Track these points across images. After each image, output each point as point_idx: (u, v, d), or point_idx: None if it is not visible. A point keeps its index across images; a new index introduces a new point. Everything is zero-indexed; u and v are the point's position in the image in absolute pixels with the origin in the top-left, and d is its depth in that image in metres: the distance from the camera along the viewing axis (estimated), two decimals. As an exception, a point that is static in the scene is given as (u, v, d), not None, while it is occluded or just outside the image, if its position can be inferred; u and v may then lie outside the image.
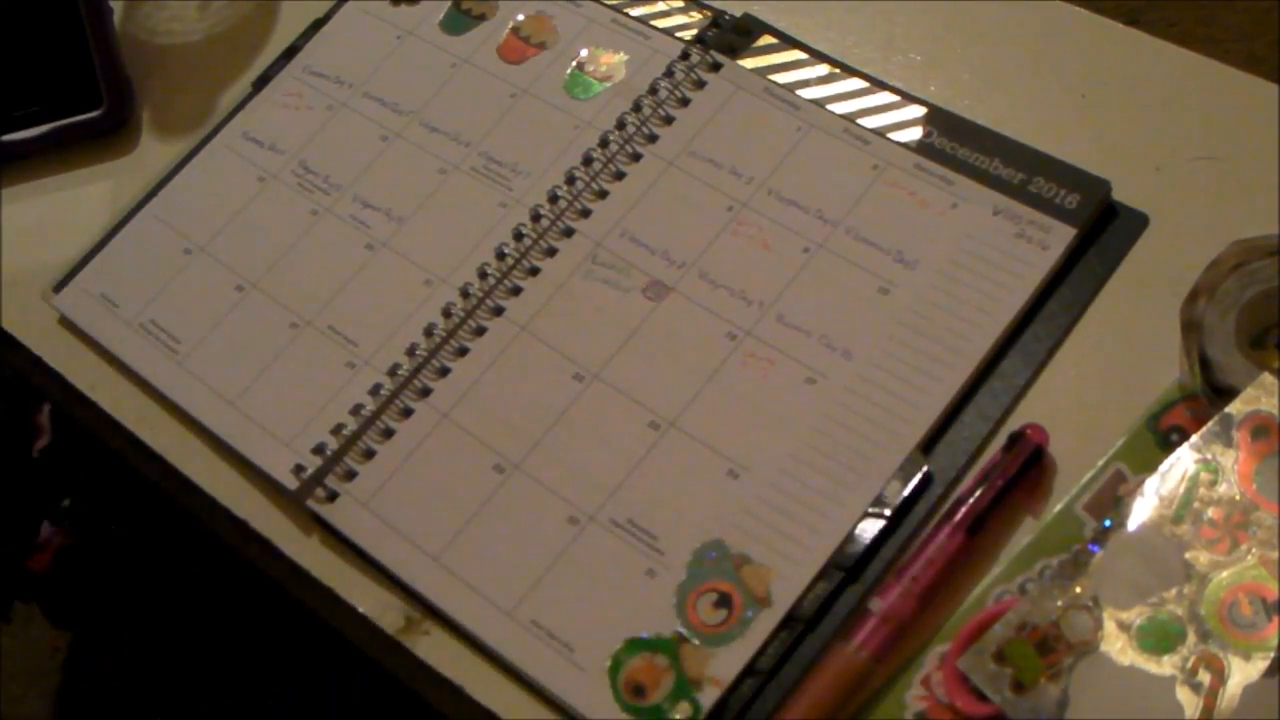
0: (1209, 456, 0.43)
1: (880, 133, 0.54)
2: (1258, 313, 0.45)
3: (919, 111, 0.55)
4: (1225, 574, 0.41)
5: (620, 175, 0.56)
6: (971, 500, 0.45)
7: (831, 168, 0.54)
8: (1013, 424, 0.48)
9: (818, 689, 0.43)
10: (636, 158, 0.56)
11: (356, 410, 0.53)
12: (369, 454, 0.52)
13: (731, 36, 0.58)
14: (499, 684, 0.47)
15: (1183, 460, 0.43)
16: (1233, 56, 0.54)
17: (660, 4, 0.60)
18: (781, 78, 0.57)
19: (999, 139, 0.53)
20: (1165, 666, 0.40)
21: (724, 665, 0.45)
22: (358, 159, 0.60)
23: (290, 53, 0.64)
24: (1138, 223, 0.51)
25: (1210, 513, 0.42)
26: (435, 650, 0.48)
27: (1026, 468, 0.46)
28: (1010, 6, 0.57)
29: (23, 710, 0.76)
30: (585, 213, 0.55)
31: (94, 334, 0.58)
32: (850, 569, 0.46)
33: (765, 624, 0.45)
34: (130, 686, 0.59)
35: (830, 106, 0.55)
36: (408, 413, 0.52)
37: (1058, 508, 0.46)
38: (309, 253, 0.58)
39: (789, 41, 0.58)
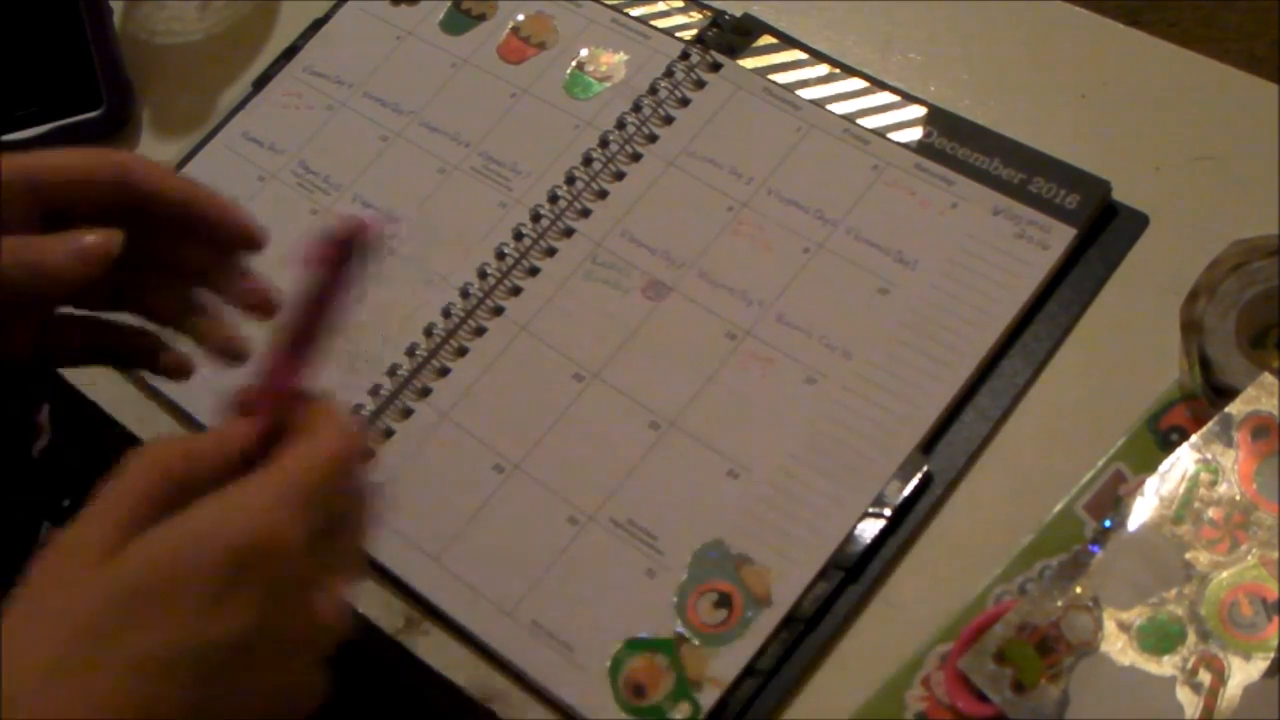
0: (1209, 456, 0.43)
1: (880, 133, 0.54)
2: (1258, 313, 0.45)
3: (919, 111, 0.55)
4: (1225, 574, 0.41)
5: (620, 175, 0.56)
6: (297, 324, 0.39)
7: (831, 168, 0.54)
8: (1013, 424, 0.48)
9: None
10: (636, 158, 0.56)
11: (356, 410, 0.53)
12: (369, 454, 0.52)
13: (731, 36, 0.58)
14: (499, 684, 0.47)
15: (1183, 460, 0.43)
16: (1233, 56, 0.54)
17: (660, 4, 0.60)
18: (781, 78, 0.57)
19: (999, 139, 0.53)
20: (1165, 667, 0.40)
21: (724, 665, 0.45)
22: (357, 159, 0.60)
23: (290, 53, 0.64)
24: (1138, 223, 0.51)
25: (1210, 513, 0.42)
26: (435, 650, 0.48)
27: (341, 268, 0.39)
28: (1010, 6, 0.57)
29: (22, 710, 0.76)
30: (585, 212, 0.55)
31: (94, 334, 0.58)
32: (850, 569, 0.46)
33: (765, 624, 0.45)
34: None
35: (830, 106, 0.55)
36: (407, 413, 0.52)
37: (1057, 508, 0.46)
38: (309, 253, 0.58)
39: (789, 41, 0.58)
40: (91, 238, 0.41)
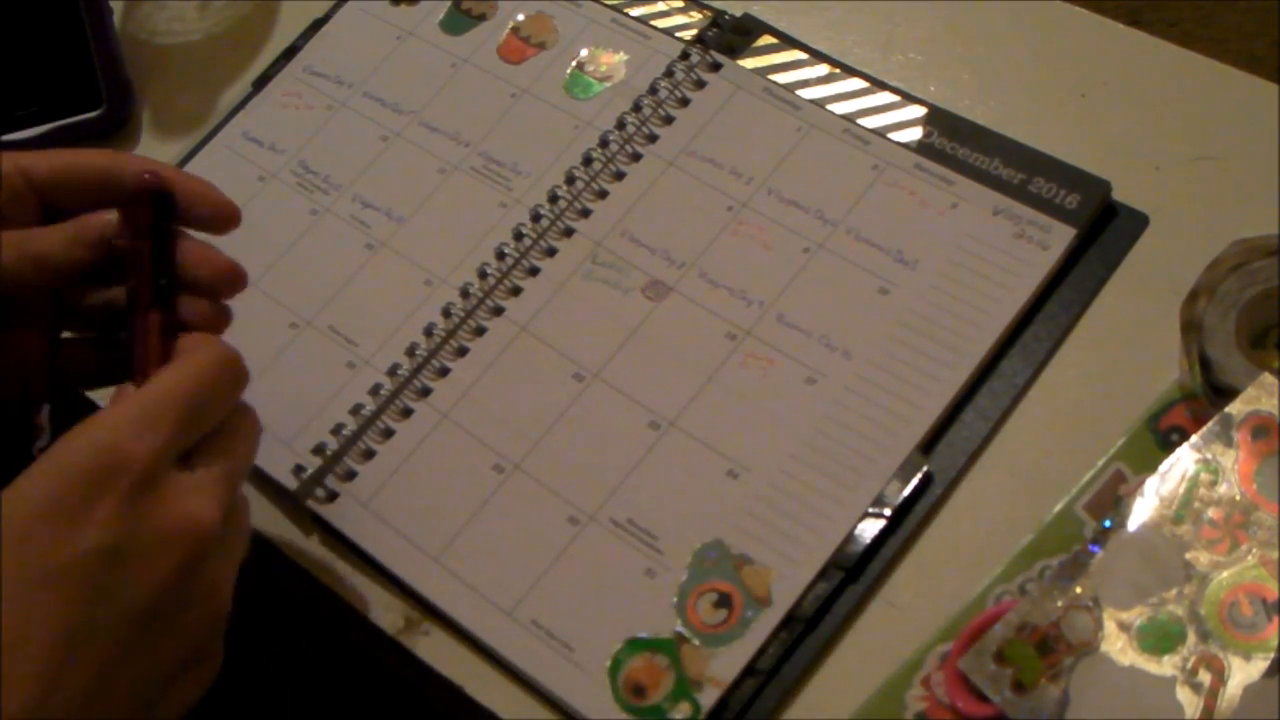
0: (1209, 456, 0.43)
1: (880, 133, 0.54)
2: (1258, 312, 0.45)
3: (919, 111, 0.55)
4: (1225, 574, 0.41)
5: (620, 175, 0.56)
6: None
7: (831, 168, 0.54)
8: (1013, 424, 0.48)
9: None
10: (636, 158, 0.56)
11: (356, 410, 0.53)
12: (369, 454, 0.52)
13: (731, 36, 0.58)
14: (499, 684, 0.47)
15: (1183, 460, 0.43)
16: (1233, 56, 0.54)
17: (660, 4, 0.60)
18: (781, 78, 0.57)
19: (999, 139, 0.53)
20: (1165, 667, 0.40)
21: (724, 665, 0.45)
22: (358, 159, 0.60)
23: (290, 53, 0.64)
24: (1138, 223, 0.51)
25: (1210, 513, 0.42)
26: (435, 650, 0.48)
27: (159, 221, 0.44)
28: (1010, 6, 0.57)
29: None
30: (585, 213, 0.55)
31: (94, 334, 0.58)
32: (850, 569, 0.46)
33: (765, 624, 0.45)
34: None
35: (830, 106, 0.55)
36: (407, 413, 0.52)
37: (1057, 507, 0.46)
38: (309, 252, 0.58)
39: (789, 41, 0.58)
40: (87, 220, 0.44)
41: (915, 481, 0.47)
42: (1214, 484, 0.43)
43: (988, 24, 0.57)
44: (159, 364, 0.42)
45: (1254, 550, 0.41)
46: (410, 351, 0.53)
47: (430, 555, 0.49)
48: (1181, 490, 0.43)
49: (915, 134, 0.54)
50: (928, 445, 0.48)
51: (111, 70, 0.64)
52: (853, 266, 0.52)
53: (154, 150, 0.64)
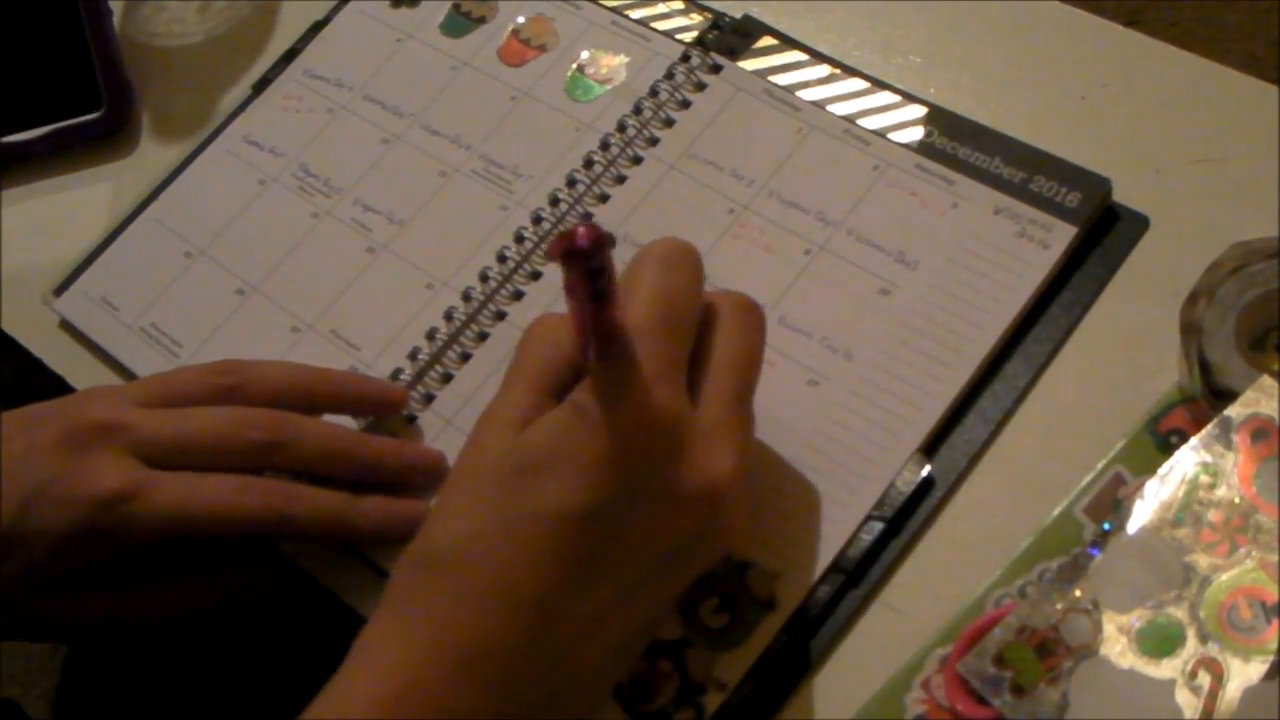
0: (1209, 459, 0.43)
1: (881, 133, 0.54)
2: (1257, 315, 0.45)
3: (919, 111, 0.55)
4: (1225, 577, 0.41)
5: (621, 178, 0.56)
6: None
7: (832, 169, 0.54)
8: (1014, 426, 0.48)
9: None
10: (637, 161, 0.56)
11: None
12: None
13: (731, 38, 0.58)
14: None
15: (1182, 463, 0.43)
16: (1233, 57, 0.54)
17: (660, 6, 0.60)
18: (782, 79, 0.57)
19: (999, 137, 0.53)
20: (1165, 670, 0.41)
21: (727, 668, 0.45)
22: (358, 162, 0.60)
23: (290, 55, 0.64)
24: (1138, 225, 0.51)
25: (1210, 516, 0.42)
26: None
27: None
28: (1010, 6, 0.57)
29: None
30: (587, 216, 0.55)
31: (95, 337, 0.58)
32: (852, 572, 0.46)
33: (768, 627, 0.45)
34: (130, 687, 0.59)
35: (830, 107, 0.55)
36: (411, 419, 0.52)
37: (1056, 511, 0.46)
38: (310, 256, 0.58)
39: (789, 43, 0.58)
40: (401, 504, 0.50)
41: (917, 484, 0.47)
42: (1213, 487, 0.43)
43: (988, 25, 0.57)
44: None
45: (1253, 553, 0.41)
46: (413, 356, 0.54)
47: (433, 559, 0.49)
48: (1181, 493, 0.43)
49: (916, 134, 0.54)
50: (930, 448, 0.48)
51: (111, 72, 0.65)
52: (854, 267, 0.52)
53: (154, 153, 0.64)
